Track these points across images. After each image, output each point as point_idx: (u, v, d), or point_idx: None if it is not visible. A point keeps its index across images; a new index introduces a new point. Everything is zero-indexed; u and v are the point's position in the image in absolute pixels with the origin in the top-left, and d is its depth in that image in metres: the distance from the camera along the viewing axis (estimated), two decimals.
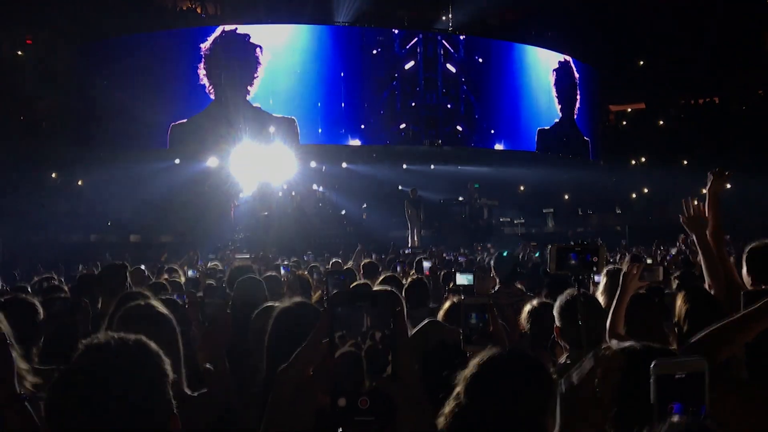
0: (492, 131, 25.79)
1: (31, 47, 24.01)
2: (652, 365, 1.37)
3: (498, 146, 25.78)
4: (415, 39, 23.81)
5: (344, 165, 22.62)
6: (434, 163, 24.31)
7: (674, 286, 5.05)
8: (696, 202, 3.61)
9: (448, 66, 24.61)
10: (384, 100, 23.62)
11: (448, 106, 24.81)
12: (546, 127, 26.95)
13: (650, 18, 31.05)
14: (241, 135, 19.65)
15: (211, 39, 22.17)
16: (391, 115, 23.73)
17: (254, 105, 21.96)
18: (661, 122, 33.27)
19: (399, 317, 1.41)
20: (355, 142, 23.29)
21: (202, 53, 22.07)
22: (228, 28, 22.35)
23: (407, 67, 23.81)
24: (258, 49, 22.12)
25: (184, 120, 22.06)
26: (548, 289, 4.63)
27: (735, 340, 1.86)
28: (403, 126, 23.99)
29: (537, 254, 12.24)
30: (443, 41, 24.59)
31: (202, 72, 22.05)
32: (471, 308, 2.68)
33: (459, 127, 25.16)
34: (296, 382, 1.47)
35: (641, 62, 34.06)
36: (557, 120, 27.50)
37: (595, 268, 2.81)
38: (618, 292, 3.08)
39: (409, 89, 23.87)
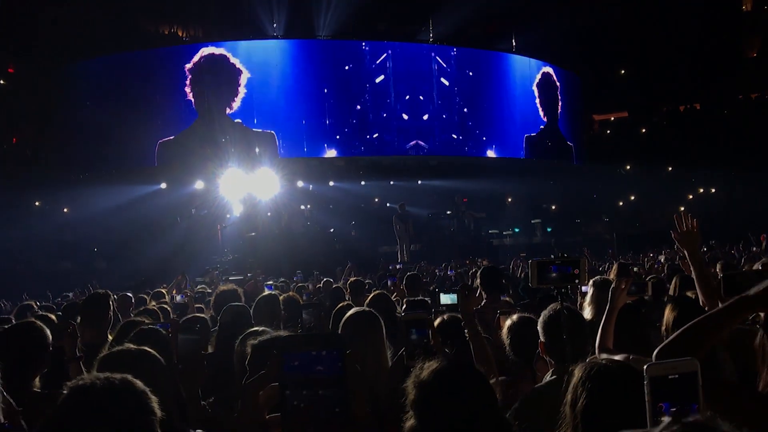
0: (484, 138, 26.51)
1: (13, 75, 23.91)
2: (645, 367, 1.36)
3: (490, 152, 26.43)
4: (384, 54, 24.39)
5: (331, 183, 22.63)
6: (421, 178, 24.43)
7: (650, 292, 5.11)
8: (689, 215, 3.60)
9: (442, 80, 25.36)
10: (356, 112, 24.09)
11: (443, 116, 25.44)
12: (532, 134, 27.55)
13: (631, 28, 31.47)
14: (226, 155, 19.62)
15: (192, 61, 22.28)
16: (363, 126, 24.26)
17: (235, 120, 22.11)
18: (644, 130, 33.58)
19: (350, 360, 1.42)
20: (332, 153, 23.63)
21: (187, 75, 22.18)
22: (207, 51, 22.47)
23: (378, 80, 24.32)
24: (238, 68, 22.28)
25: (171, 137, 22.11)
26: (541, 302, 4.60)
27: (709, 339, 1.82)
28: (375, 135, 24.44)
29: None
30: (437, 57, 25.39)
31: (188, 89, 22.15)
32: (410, 324, 2.68)
33: (454, 135, 25.78)
34: (252, 424, 1.48)
35: (622, 71, 34.44)
36: (542, 127, 27.96)
37: (576, 281, 2.79)
38: (607, 307, 3.06)
39: (380, 101, 24.35)
